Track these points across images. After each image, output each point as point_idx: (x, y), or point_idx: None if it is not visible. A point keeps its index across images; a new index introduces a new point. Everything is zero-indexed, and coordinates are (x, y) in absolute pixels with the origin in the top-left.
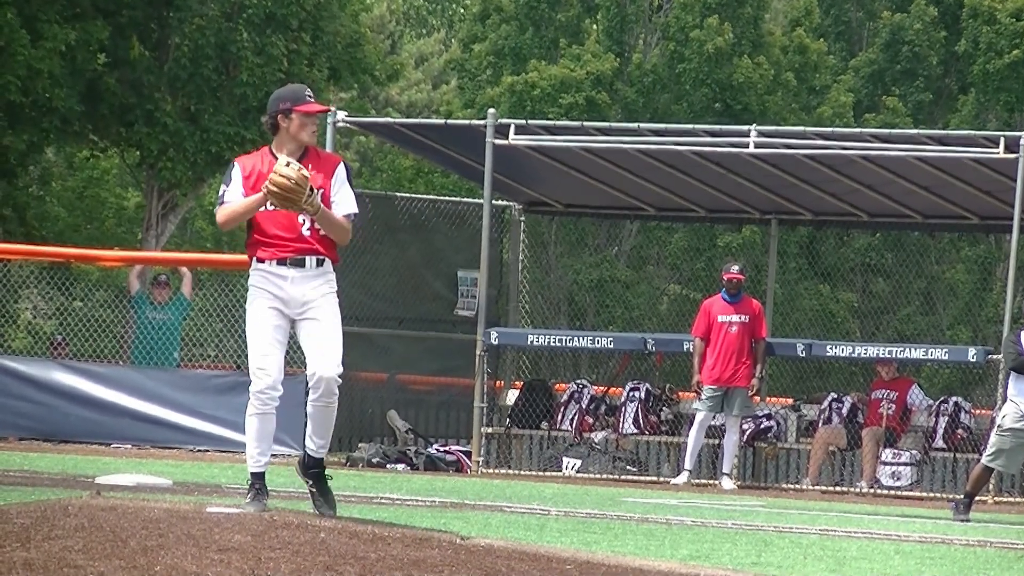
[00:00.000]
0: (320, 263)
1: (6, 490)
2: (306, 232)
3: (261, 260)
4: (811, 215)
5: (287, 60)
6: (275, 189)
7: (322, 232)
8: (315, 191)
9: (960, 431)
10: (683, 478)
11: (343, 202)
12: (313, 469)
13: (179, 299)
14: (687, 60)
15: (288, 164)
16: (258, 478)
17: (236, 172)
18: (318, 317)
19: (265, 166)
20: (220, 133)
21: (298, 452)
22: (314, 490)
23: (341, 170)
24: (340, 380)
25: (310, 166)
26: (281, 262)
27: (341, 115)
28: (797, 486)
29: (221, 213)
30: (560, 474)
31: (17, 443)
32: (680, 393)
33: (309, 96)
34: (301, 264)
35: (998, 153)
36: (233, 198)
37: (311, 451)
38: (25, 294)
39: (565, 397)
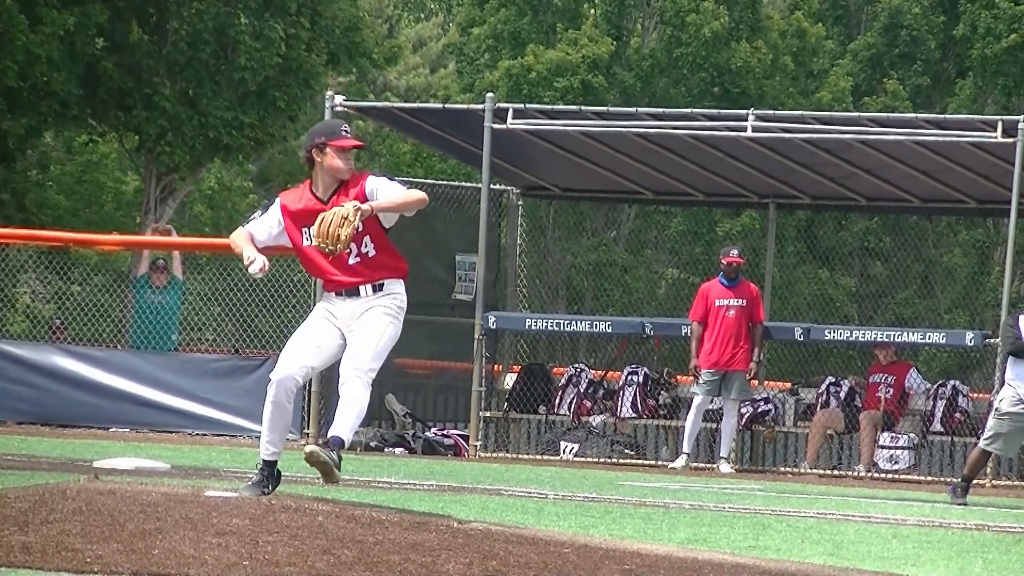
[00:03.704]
0: (378, 288)
1: (4, 474)
2: (353, 261)
3: (325, 291)
4: (809, 199)
5: (285, 44)
6: (321, 242)
7: (372, 255)
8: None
9: (958, 415)
10: (681, 462)
11: (389, 196)
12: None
13: (175, 282)
14: (685, 44)
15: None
16: (267, 465)
17: (275, 209)
18: (358, 327)
19: (304, 202)
20: (218, 118)
21: (294, 436)
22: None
23: (370, 181)
24: (360, 377)
25: (343, 198)
26: (338, 294)
27: (339, 99)
28: (795, 470)
29: (236, 235)
30: (558, 458)
31: (15, 427)
32: (678, 377)
33: (345, 131)
34: (356, 294)
35: (996, 137)
36: (256, 229)
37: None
38: (24, 278)
39: (563, 381)
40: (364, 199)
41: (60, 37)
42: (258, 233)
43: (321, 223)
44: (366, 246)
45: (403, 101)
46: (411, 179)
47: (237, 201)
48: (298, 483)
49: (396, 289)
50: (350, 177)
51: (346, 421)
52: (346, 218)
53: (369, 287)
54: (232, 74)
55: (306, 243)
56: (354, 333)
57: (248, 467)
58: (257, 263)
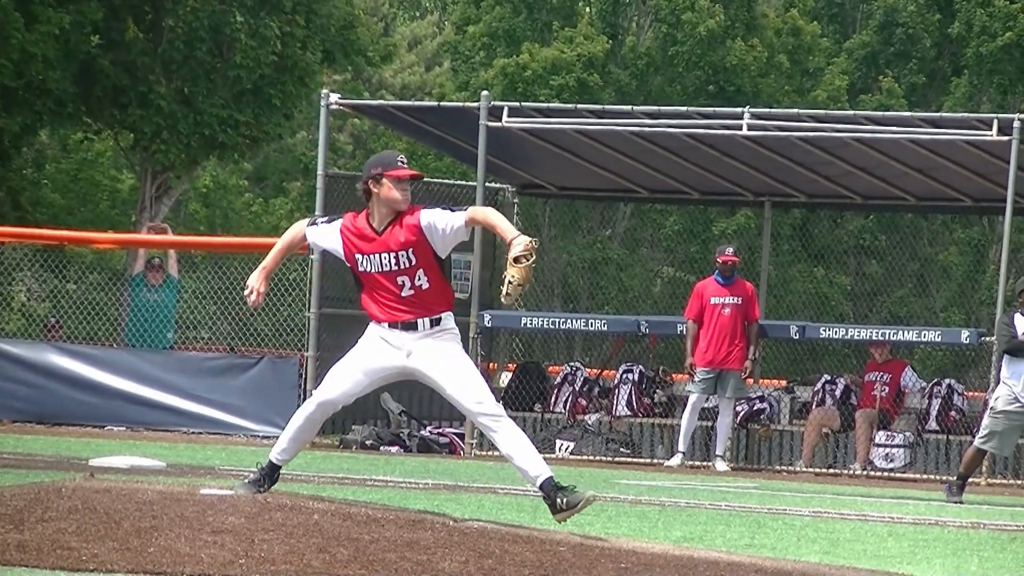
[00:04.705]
0: (435, 322)
1: (0, 472)
2: (408, 293)
3: (378, 322)
4: (805, 197)
5: (281, 42)
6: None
7: (426, 287)
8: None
9: (953, 413)
10: (677, 460)
11: (449, 223)
12: (547, 499)
13: (170, 280)
14: (680, 43)
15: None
16: (271, 467)
17: (336, 226)
18: (448, 374)
19: (360, 231)
20: (214, 115)
21: None
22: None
23: (424, 214)
24: (501, 419)
25: (397, 229)
26: (393, 325)
27: (334, 98)
28: (790, 468)
29: (286, 235)
30: (554, 456)
31: (11, 425)
32: (673, 375)
33: (401, 161)
34: (413, 327)
35: (991, 135)
36: (315, 234)
37: (532, 482)
38: (19, 277)
39: (559, 379)
40: (419, 233)
41: (55, 35)
42: (314, 239)
43: (524, 274)
44: (419, 279)
45: (398, 99)
46: None
47: (232, 199)
48: (295, 482)
49: (451, 324)
50: (408, 210)
51: (534, 458)
52: (529, 257)
53: (427, 321)
54: (228, 72)
55: (361, 268)
56: (450, 381)
57: (244, 465)
58: (253, 296)
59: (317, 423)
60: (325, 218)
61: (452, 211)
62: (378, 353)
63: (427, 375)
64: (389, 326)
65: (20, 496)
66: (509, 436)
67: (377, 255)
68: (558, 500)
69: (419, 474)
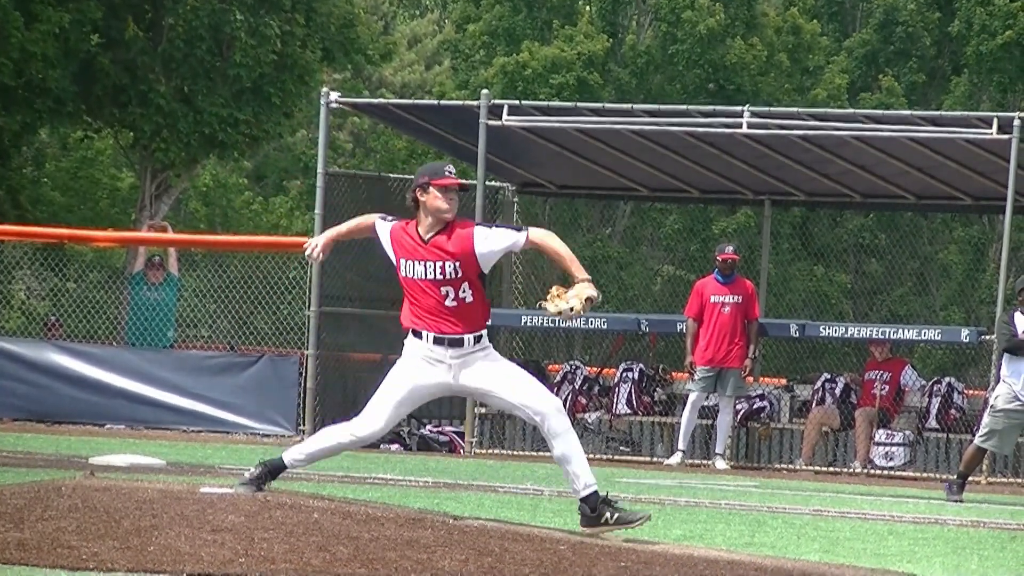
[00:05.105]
0: (478, 339)
1: (0, 471)
2: (451, 304)
3: (417, 334)
4: (804, 196)
5: (280, 41)
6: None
7: (469, 301)
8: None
9: (953, 412)
10: (677, 458)
11: (504, 243)
12: (590, 510)
13: (170, 278)
14: (680, 41)
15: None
16: (277, 467)
17: (388, 227)
18: (500, 382)
19: (407, 238)
20: (214, 114)
21: (290, 433)
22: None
23: (479, 234)
24: (562, 419)
25: (441, 238)
26: (439, 341)
27: (334, 96)
28: (790, 466)
29: (368, 216)
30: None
31: (11, 424)
32: (674, 373)
33: (448, 171)
34: (459, 344)
35: (991, 134)
36: (381, 230)
37: (579, 489)
38: (19, 275)
39: (559, 378)
40: (471, 252)
41: (55, 34)
42: (379, 231)
43: (583, 311)
44: (464, 291)
45: (398, 98)
46: (404, 175)
47: (232, 198)
48: (294, 480)
49: (488, 341)
50: (453, 219)
51: (586, 466)
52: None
53: (471, 338)
54: (227, 71)
55: (403, 274)
56: (512, 390)
57: (244, 463)
58: (308, 248)
59: (345, 450)
60: (392, 216)
61: (508, 230)
62: (422, 373)
63: (481, 389)
64: (435, 342)
65: (20, 495)
66: (571, 439)
67: (422, 263)
68: (607, 514)
69: (419, 472)
